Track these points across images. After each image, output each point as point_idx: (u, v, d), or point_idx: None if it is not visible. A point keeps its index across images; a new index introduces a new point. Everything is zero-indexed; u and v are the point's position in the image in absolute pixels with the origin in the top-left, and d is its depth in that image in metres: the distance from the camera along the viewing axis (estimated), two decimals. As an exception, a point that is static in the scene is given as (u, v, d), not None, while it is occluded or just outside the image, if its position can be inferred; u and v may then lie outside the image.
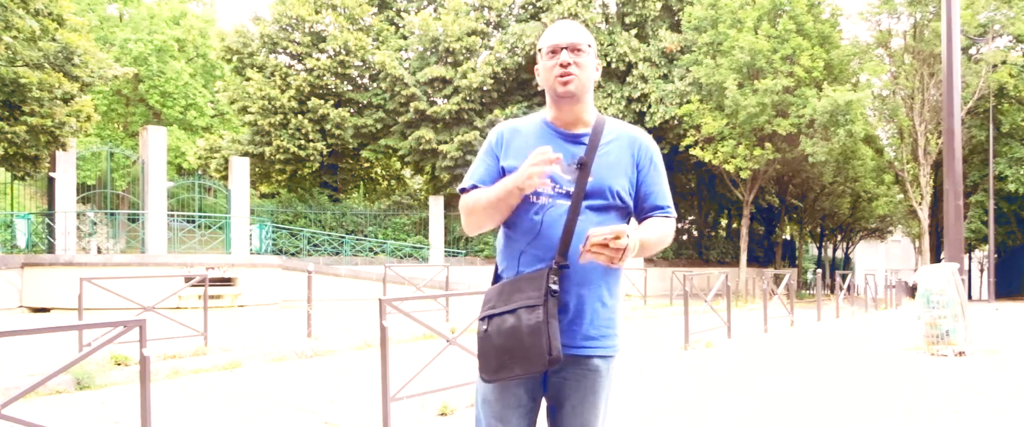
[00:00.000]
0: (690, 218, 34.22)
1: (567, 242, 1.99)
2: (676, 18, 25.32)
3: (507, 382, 2.04)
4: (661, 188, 2.18)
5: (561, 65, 2.03)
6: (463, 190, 2.14)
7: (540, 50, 2.11)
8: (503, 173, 2.09)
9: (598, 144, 2.08)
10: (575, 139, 2.09)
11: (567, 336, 2.03)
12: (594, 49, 2.10)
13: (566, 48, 2.04)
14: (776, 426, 4.76)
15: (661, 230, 2.11)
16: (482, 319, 2.04)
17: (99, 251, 17.01)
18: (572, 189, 2.04)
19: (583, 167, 2.04)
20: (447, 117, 23.68)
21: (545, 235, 2.02)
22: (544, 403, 2.19)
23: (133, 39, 29.84)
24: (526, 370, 1.95)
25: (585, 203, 2.03)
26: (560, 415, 2.13)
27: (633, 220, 2.25)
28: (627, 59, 23.71)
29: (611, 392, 2.18)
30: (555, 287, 1.97)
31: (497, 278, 2.15)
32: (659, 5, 24.20)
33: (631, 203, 2.13)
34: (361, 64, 24.56)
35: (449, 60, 23.88)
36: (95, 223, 17.44)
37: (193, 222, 19.29)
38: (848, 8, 66.44)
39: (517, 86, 24.54)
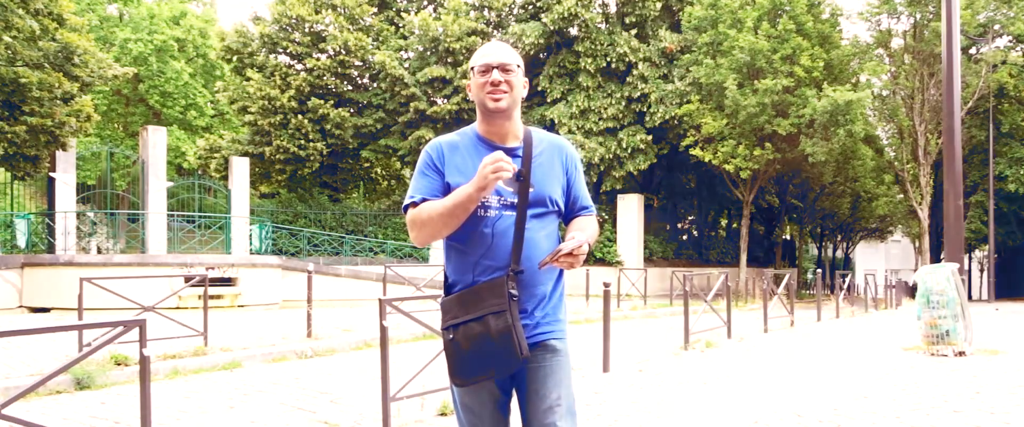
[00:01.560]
0: (690, 218, 34.22)
1: (519, 250, 2.16)
2: (676, 18, 25.32)
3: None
4: (585, 190, 2.41)
5: (492, 83, 2.18)
6: (409, 206, 2.23)
7: (472, 69, 2.25)
8: (449, 188, 2.20)
9: (532, 156, 2.23)
10: (510, 152, 2.21)
11: (527, 328, 2.19)
12: (522, 69, 2.26)
13: (497, 67, 2.18)
14: (776, 426, 4.76)
15: (593, 228, 2.34)
16: (446, 328, 2.18)
17: (99, 251, 17.01)
18: (515, 200, 2.18)
19: (523, 179, 2.19)
20: (447, 117, 23.68)
21: (498, 245, 2.16)
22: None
23: (133, 39, 29.83)
24: (500, 371, 2.14)
25: (529, 212, 2.19)
26: (527, 401, 2.26)
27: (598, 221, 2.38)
28: (627, 59, 23.71)
29: (570, 371, 2.32)
30: (515, 292, 2.13)
31: (449, 289, 2.27)
32: (659, 5, 24.19)
33: (563, 207, 2.32)
34: (361, 64, 24.56)
35: (449, 60, 23.89)
36: (95, 223, 17.43)
37: (193, 222, 19.28)
38: (848, 8, 66.45)
39: (517, 86, 24.53)
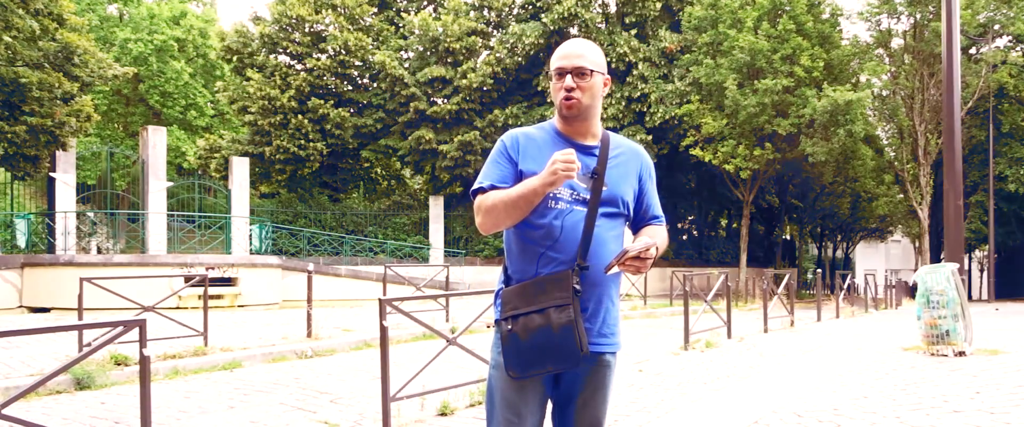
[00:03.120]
0: (690, 218, 34.20)
1: (586, 246, 2.13)
2: (676, 18, 25.32)
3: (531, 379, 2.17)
4: (656, 199, 2.40)
5: (566, 89, 2.15)
6: (479, 190, 2.19)
7: (552, 67, 2.21)
8: (520, 176, 2.17)
9: (608, 156, 2.21)
10: (587, 150, 2.21)
11: (588, 332, 2.16)
12: (600, 69, 2.20)
13: (571, 72, 2.15)
14: (776, 426, 4.76)
15: (663, 237, 2.34)
16: (505, 319, 2.14)
17: (99, 251, 17.01)
18: (588, 197, 2.16)
19: (597, 177, 2.17)
20: (447, 117, 23.68)
21: (566, 239, 2.13)
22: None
23: (133, 39, 29.83)
24: (558, 366, 2.09)
25: (600, 210, 2.17)
26: (572, 409, 2.25)
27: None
28: (627, 59, 23.70)
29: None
30: (578, 288, 2.09)
31: (508, 280, 2.23)
32: (659, 5, 24.19)
33: (632, 213, 2.30)
34: (361, 64, 24.56)
35: (449, 60, 23.88)
36: (95, 223, 17.43)
37: (193, 222, 19.28)
38: (848, 8, 66.48)
39: (517, 86, 24.54)
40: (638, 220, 2.33)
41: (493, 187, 2.17)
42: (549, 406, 2.30)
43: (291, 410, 5.44)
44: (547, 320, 2.05)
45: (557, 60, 2.18)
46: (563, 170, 2.00)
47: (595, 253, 2.13)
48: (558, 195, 2.14)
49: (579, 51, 2.18)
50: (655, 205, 2.35)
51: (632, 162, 2.29)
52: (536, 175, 2.08)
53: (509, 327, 2.11)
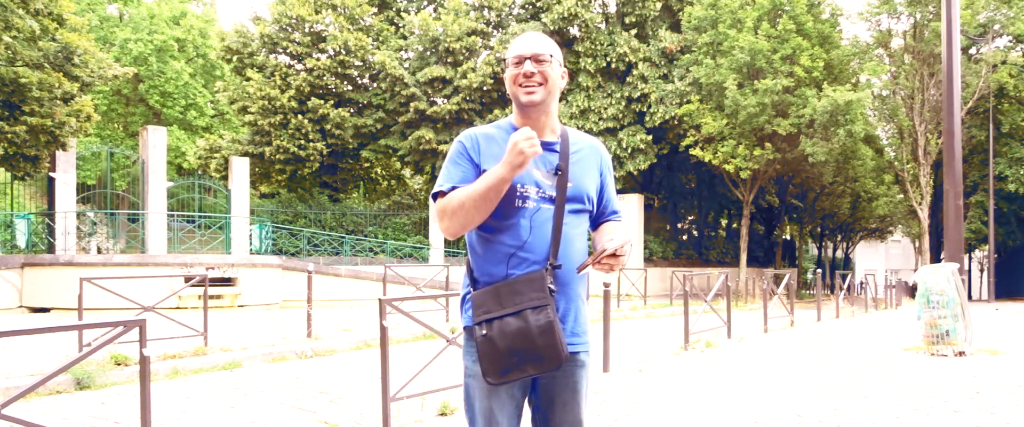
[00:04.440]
0: (690, 218, 34.23)
1: (557, 244, 2.08)
2: (676, 18, 25.32)
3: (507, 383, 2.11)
4: (615, 195, 2.35)
5: (525, 75, 2.11)
6: (438, 194, 2.13)
7: (506, 60, 2.17)
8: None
9: (569, 152, 2.17)
10: (547, 146, 2.16)
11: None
12: (558, 59, 2.17)
13: (530, 58, 2.12)
14: (776, 426, 4.76)
15: (625, 234, 2.23)
16: (478, 324, 2.06)
17: (99, 251, 17.00)
18: (554, 194, 2.12)
19: (561, 173, 2.13)
20: (447, 117, 23.67)
21: (535, 238, 2.09)
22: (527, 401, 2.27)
23: (133, 39, 29.83)
24: (538, 369, 2.03)
25: (567, 207, 2.13)
26: (552, 412, 2.20)
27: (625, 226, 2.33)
28: (627, 59, 23.70)
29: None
30: (553, 287, 2.04)
31: (475, 283, 2.16)
32: (659, 5, 24.19)
33: (595, 208, 2.26)
34: (361, 64, 24.55)
35: (449, 60, 23.88)
36: (95, 223, 17.43)
37: (193, 222, 19.29)
38: (848, 8, 66.39)
39: (517, 86, 24.50)
40: (598, 216, 2.28)
41: (454, 189, 2.10)
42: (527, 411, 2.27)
43: (291, 410, 5.44)
44: (524, 322, 1.99)
45: (514, 49, 2.15)
46: (528, 148, 1.95)
47: (565, 252, 2.09)
48: (525, 193, 2.09)
49: (535, 39, 2.16)
50: (614, 201, 2.31)
51: (592, 157, 2.24)
52: (499, 162, 2.01)
53: (484, 332, 2.03)
